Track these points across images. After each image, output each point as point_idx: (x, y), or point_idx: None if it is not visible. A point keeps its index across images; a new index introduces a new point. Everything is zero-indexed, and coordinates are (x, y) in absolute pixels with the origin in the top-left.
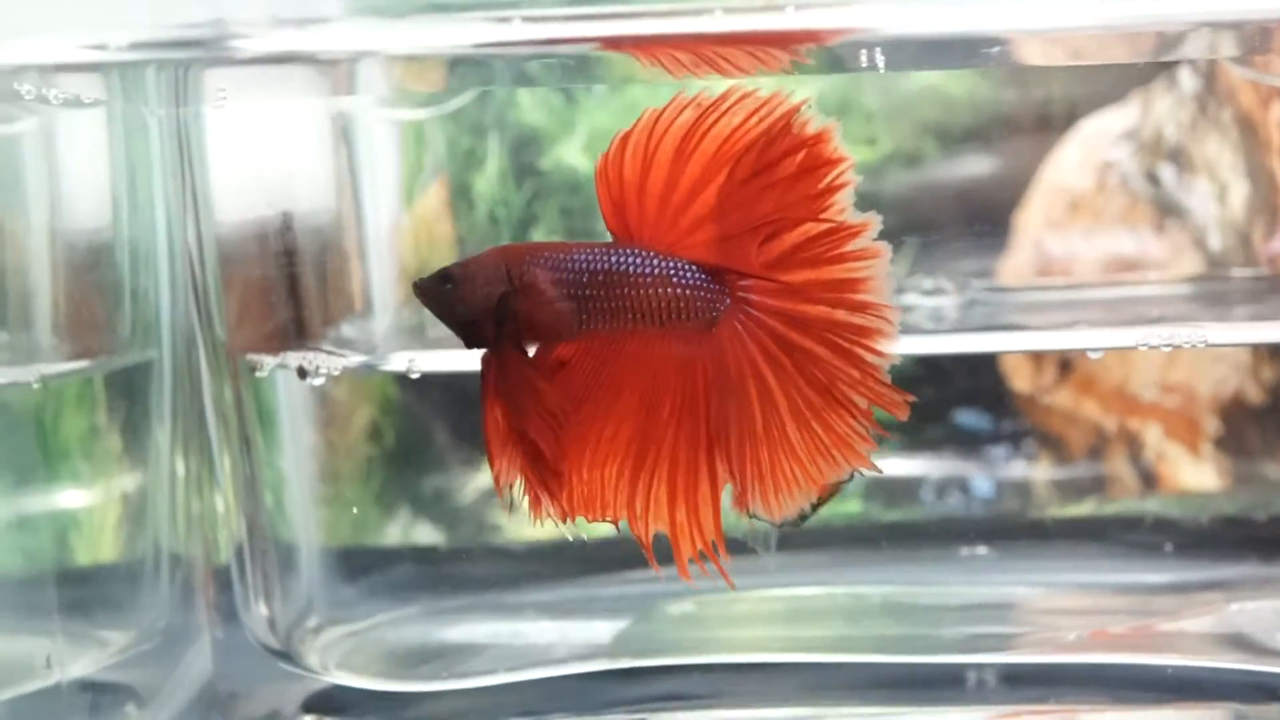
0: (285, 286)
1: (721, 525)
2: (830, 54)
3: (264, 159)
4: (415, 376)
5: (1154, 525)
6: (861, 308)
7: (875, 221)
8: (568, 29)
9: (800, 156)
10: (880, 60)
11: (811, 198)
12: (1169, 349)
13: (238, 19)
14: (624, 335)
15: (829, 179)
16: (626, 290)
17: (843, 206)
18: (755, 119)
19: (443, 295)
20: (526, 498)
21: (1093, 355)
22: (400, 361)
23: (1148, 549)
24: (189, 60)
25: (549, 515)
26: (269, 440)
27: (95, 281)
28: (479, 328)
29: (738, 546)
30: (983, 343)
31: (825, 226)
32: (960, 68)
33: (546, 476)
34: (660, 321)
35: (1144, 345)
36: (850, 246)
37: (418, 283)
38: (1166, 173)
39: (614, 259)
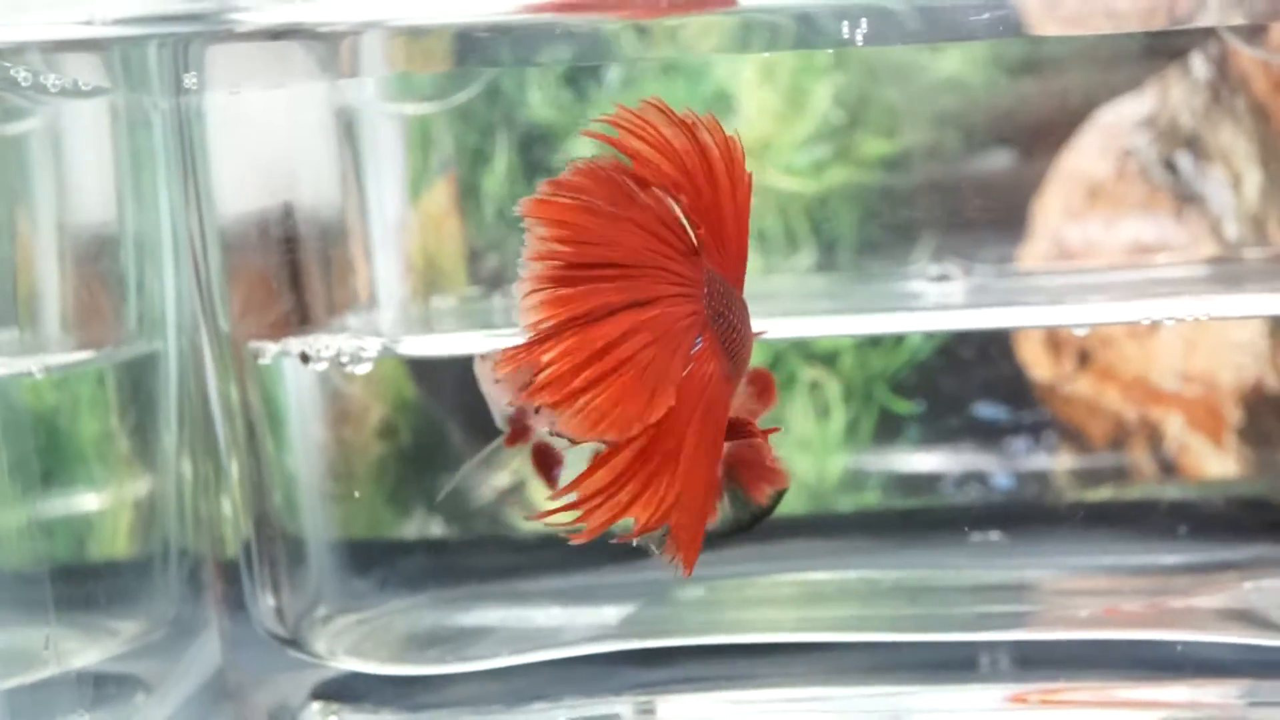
0: (288, 275)
1: None
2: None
3: (267, 151)
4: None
5: (1169, 509)
6: None
7: None
8: None
9: None
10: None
11: None
12: (1172, 322)
13: None
14: None
15: None
16: None
17: None
18: None
19: None
20: None
21: (1078, 332)
22: (408, 346)
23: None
24: (189, 35)
25: None
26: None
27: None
28: None
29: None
30: (983, 319)
31: None
32: (950, 40)
33: None
34: None
35: (1147, 320)
36: None
37: None
38: (1184, 160)
39: None
